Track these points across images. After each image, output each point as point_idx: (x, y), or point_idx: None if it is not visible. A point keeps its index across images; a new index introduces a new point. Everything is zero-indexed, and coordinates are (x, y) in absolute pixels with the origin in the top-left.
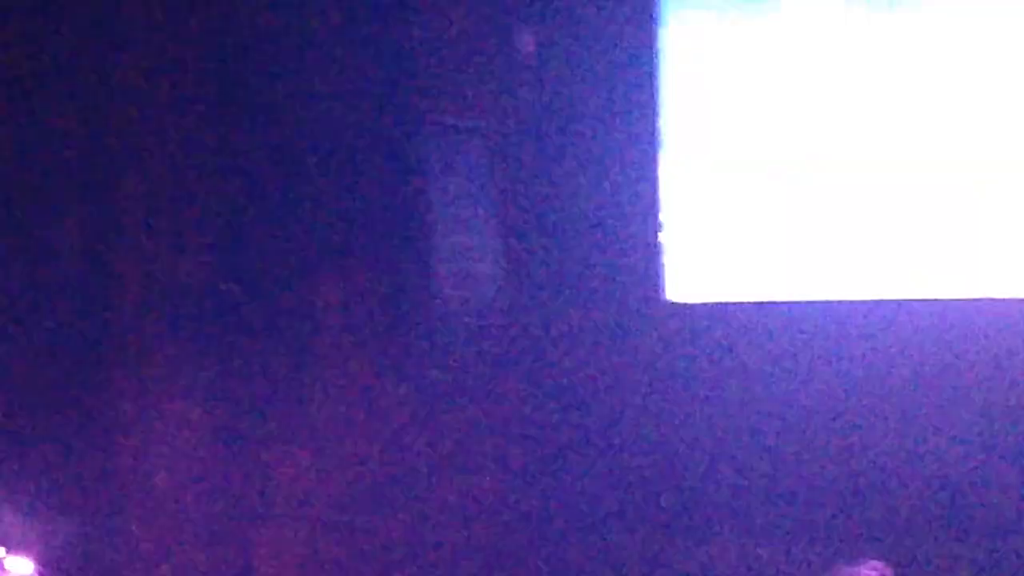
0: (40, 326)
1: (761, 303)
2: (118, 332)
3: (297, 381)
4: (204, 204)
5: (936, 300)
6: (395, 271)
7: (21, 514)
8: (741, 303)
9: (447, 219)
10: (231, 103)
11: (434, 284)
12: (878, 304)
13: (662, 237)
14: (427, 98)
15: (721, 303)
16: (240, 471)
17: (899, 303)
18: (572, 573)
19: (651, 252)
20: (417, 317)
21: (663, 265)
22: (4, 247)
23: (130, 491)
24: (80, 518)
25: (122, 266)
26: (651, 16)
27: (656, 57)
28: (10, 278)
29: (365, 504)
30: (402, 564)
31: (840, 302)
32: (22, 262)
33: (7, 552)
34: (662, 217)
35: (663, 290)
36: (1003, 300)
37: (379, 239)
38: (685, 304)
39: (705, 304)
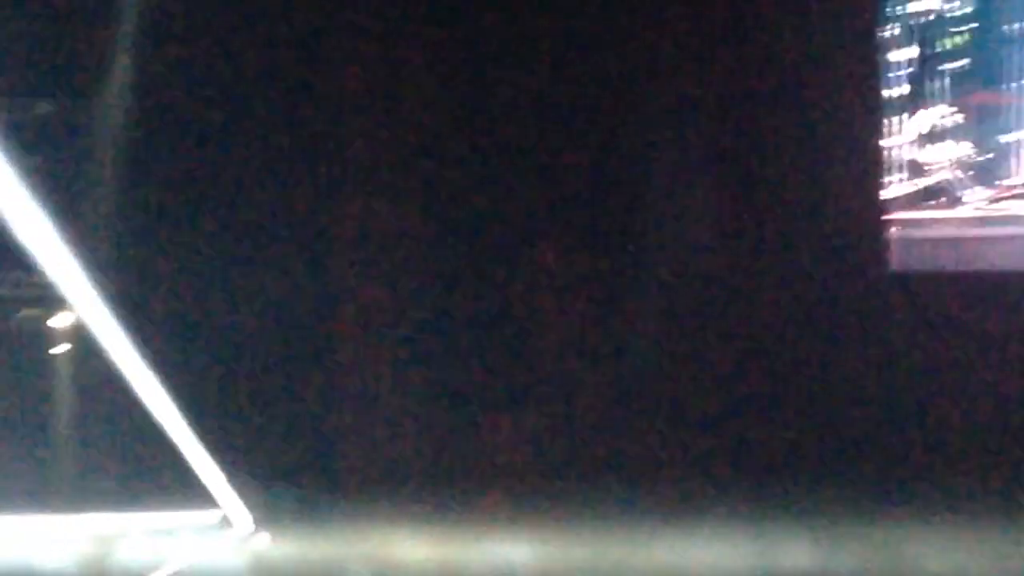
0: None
1: (987, 271)
2: (342, 304)
3: (523, 349)
4: (439, 190)
5: None
6: (619, 246)
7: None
8: (969, 272)
9: (668, 196)
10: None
11: (657, 258)
12: None
13: (886, 209)
14: (644, 80)
15: (948, 272)
16: (462, 436)
17: None
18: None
19: (875, 223)
20: (639, 291)
21: (888, 236)
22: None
23: (352, 459)
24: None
25: (344, 233)
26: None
27: (876, 31)
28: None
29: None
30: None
31: None
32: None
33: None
34: (886, 190)
35: (888, 262)
36: None
37: (603, 216)
38: (911, 273)
39: (932, 273)
